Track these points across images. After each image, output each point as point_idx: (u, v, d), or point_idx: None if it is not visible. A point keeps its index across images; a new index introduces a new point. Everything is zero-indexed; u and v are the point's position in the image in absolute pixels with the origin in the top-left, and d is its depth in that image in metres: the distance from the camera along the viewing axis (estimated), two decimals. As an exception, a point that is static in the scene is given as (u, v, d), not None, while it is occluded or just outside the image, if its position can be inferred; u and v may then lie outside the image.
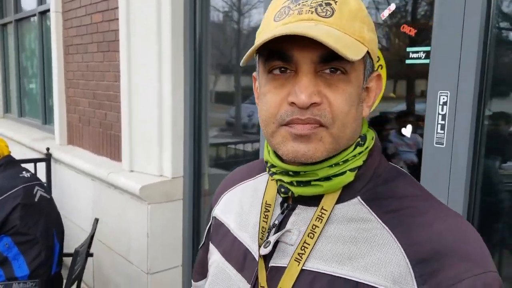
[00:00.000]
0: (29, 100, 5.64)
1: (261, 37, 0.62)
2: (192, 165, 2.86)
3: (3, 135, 4.98)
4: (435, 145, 1.52)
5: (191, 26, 2.73)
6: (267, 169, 0.74)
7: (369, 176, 0.69)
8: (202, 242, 0.92)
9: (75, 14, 3.70)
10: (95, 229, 2.48)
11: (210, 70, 2.81)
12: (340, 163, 0.67)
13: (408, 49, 1.62)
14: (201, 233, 2.90)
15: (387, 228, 0.64)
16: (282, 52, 0.63)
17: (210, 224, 0.88)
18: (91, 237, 2.42)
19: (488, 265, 0.61)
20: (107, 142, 3.41)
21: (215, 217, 0.87)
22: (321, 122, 0.63)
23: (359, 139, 0.69)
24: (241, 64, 0.67)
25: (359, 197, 0.68)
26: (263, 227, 0.73)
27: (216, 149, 3.01)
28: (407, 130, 1.71)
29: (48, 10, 4.41)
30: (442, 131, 1.50)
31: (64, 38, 3.96)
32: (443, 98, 1.48)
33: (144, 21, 2.80)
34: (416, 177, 0.69)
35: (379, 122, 1.82)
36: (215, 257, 0.82)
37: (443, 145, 1.51)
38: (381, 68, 1.71)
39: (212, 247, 0.84)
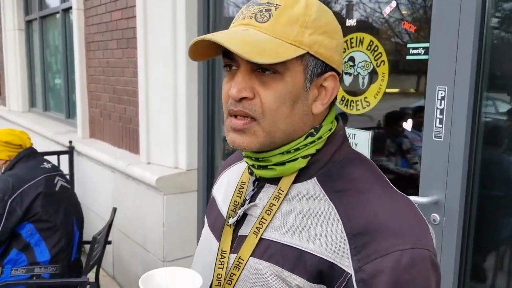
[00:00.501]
0: (53, 95, 5.85)
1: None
2: (206, 158, 2.95)
3: (29, 128, 5.18)
4: (433, 138, 1.57)
5: (204, 22, 2.81)
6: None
7: (325, 161, 0.77)
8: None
9: (96, 11, 3.83)
10: (113, 218, 2.60)
11: (223, 64, 2.89)
12: (292, 151, 0.76)
13: (409, 45, 1.66)
14: (214, 224, 3.00)
15: (332, 205, 0.72)
16: (228, 52, 0.74)
17: (209, 202, 1.01)
18: (109, 225, 2.54)
19: (419, 242, 0.67)
20: (126, 136, 3.54)
21: (212, 195, 0.99)
22: (250, 115, 0.73)
23: (312, 130, 0.77)
24: (189, 57, 0.78)
25: (315, 178, 0.77)
26: (235, 201, 0.85)
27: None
28: (407, 125, 1.75)
29: (71, 8, 4.57)
30: (441, 125, 1.55)
31: (85, 35, 4.11)
32: (441, 93, 1.53)
33: (159, 19, 2.91)
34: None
35: (395, 117, 1.85)
36: (205, 227, 0.94)
37: (441, 138, 1.55)
38: (383, 64, 1.76)
39: (205, 220, 0.96)
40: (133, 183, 3.19)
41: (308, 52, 0.72)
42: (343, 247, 0.68)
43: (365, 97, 1.83)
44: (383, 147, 1.89)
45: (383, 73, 1.77)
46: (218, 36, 0.70)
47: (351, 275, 0.66)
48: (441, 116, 1.54)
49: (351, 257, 0.67)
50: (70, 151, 3.97)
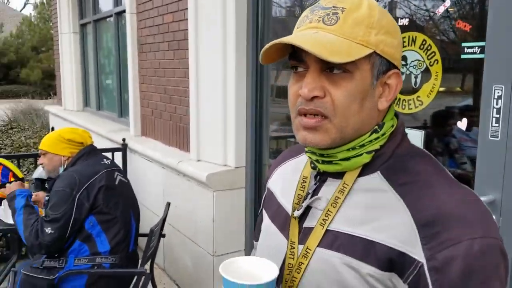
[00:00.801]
0: (106, 94, 6.11)
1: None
2: (254, 156, 3.02)
3: (83, 126, 5.44)
4: (490, 138, 1.56)
5: (254, 25, 2.88)
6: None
7: (389, 155, 0.82)
8: (260, 209, 1.09)
9: (148, 15, 3.99)
10: (167, 212, 2.71)
11: (271, 65, 2.95)
12: (357, 147, 0.81)
13: (463, 44, 1.66)
14: (262, 220, 3.06)
15: (399, 197, 0.76)
16: (297, 55, 0.79)
17: (265, 194, 1.06)
18: (164, 219, 2.66)
19: (488, 232, 0.71)
20: (177, 134, 3.68)
21: (268, 188, 1.04)
22: (322, 113, 0.78)
23: (376, 127, 0.82)
24: (261, 62, 0.84)
25: (379, 172, 0.81)
26: (299, 195, 0.89)
27: (276, 142, 3.15)
28: (462, 124, 1.75)
29: (124, 11, 4.77)
30: (497, 124, 1.54)
31: (138, 37, 4.28)
32: (498, 92, 1.52)
33: (210, 21, 3.00)
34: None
35: (447, 117, 1.86)
36: (265, 219, 0.99)
37: (498, 138, 1.54)
38: (437, 63, 1.77)
39: (264, 212, 1.02)
40: (184, 179, 3.31)
41: (374, 51, 0.77)
42: (413, 237, 0.72)
43: (418, 96, 1.84)
44: (435, 146, 1.89)
45: (436, 72, 1.77)
46: (294, 39, 0.75)
47: (423, 264, 0.70)
48: (497, 116, 1.53)
49: (421, 246, 0.71)
50: (123, 148, 4.16)
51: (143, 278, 2.46)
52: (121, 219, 2.44)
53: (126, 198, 2.54)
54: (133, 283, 2.52)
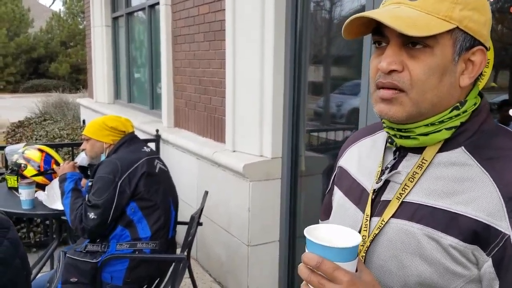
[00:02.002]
0: (137, 87, 6.19)
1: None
2: (290, 147, 3.02)
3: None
4: (546, 126, 1.53)
5: (292, 16, 2.87)
6: (382, 124, 0.92)
7: (473, 131, 0.82)
8: (328, 188, 1.10)
9: (183, 6, 4.02)
10: (205, 201, 2.74)
11: (309, 59, 2.94)
12: (436, 123, 0.81)
13: (520, 31, 1.62)
14: (297, 212, 3.07)
15: (485, 171, 0.76)
16: (379, 29, 0.80)
17: (335, 173, 1.07)
18: (202, 208, 2.69)
19: None
20: (211, 125, 3.70)
21: (340, 166, 1.05)
22: (398, 87, 0.78)
23: (458, 104, 0.81)
24: (343, 35, 0.84)
25: (463, 147, 0.81)
26: (379, 170, 0.90)
27: (312, 135, 3.15)
28: (515, 112, 1.71)
29: (157, 4, 4.82)
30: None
31: (172, 29, 4.32)
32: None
33: (248, 12, 3.00)
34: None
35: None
36: (337, 195, 1.00)
37: (555, 126, 1.51)
38: (488, 50, 1.72)
39: (336, 189, 1.02)
40: (219, 170, 3.33)
41: (457, 27, 0.76)
42: (499, 210, 0.72)
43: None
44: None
45: (488, 59, 1.73)
46: (372, 13, 0.76)
47: (509, 236, 0.70)
48: (555, 103, 1.49)
49: (508, 219, 0.71)
50: (157, 139, 4.21)
51: (181, 264, 2.49)
52: (162, 206, 2.47)
53: (166, 186, 2.57)
54: (171, 269, 2.56)
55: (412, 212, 0.80)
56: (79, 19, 27.14)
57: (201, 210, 2.67)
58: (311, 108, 3.07)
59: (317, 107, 3.12)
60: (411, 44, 0.77)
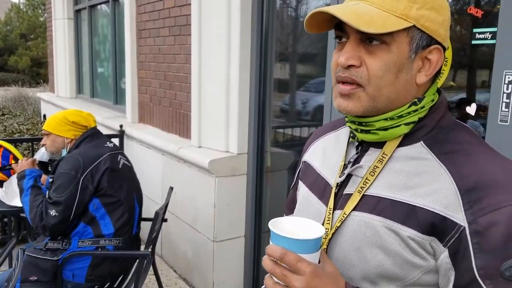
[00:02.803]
0: (101, 81, 6.06)
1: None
2: (256, 143, 3.03)
3: (79, 113, 5.39)
4: (499, 122, 1.60)
5: (259, 13, 2.87)
6: (344, 119, 0.94)
7: (432, 126, 0.85)
8: (293, 183, 1.12)
9: (148, 0, 3.96)
10: (170, 197, 2.72)
11: (276, 56, 2.96)
12: (395, 117, 0.83)
13: (475, 30, 1.69)
14: (263, 207, 3.09)
15: (442, 165, 0.79)
16: (340, 25, 0.82)
17: (300, 168, 1.09)
18: (167, 204, 2.66)
19: None
20: (177, 120, 3.67)
21: (304, 161, 1.07)
22: (356, 81, 0.81)
23: (415, 100, 0.84)
24: (306, 29, 0.86)
25: (422, 142, 0.84)
26: (341, 164, 0.93)
27: (277, 132, 3.17)
28: (471, 109, 1.78)
29: (122, -3, 4.72)
30: (507, 109, 1.57)
31: (137, 23, 4.25)
32: (509, 77, 1.55)
33: (214, 7, 2.99)
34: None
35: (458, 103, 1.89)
36: (302, 190, 1.02)
37: (507, 122, 1.58)
38: (447, 49, 1.79)
39: (300, 184, 1.04)
40: (184, 166, 3.31)
41: (414, 25, 0.79)
42: (455, 202, 0.75)
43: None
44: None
45: (446, 58, 1.79)
46: (331, 8, 0.78)
47: (465, 227, 0.73)
48: (507, 101, 1.56)
49: (464, 211, 0.74)
50: (121, 135, 4.14)
51: (145, 261, 2.46)
52: (125, 202, 2.43)
53: (129, 181, 2.53)
54: (135, 266, 2.53)
55: (373, 205, 0.82)
56: (40, 11, 26.21)
57: (165, 206, 2.65)
58: (277, 104, 3.09)
59: (283, 103, 3.14)
60: (368, 40, 0.79)
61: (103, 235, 2.38)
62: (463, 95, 1.90)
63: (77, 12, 6.54)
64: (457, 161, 0.79)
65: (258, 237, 3.13)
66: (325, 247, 0.87)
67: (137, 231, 2.58)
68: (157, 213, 2.31)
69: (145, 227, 2.74)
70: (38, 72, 24.10)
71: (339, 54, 0.83)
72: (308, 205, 0.97)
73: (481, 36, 1.67)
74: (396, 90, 0.82)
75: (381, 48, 0.79)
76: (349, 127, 0.91)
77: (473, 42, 1.70)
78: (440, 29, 0.82)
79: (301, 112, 3.00)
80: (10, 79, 20.45)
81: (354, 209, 0.84)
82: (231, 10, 2.89)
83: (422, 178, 0.80)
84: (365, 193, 0.84)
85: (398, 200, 0.80)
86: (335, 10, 0.77)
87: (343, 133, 0.99)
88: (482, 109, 1.75)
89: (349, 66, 0.81)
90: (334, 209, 0.88)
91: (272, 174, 3.10)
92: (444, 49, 0.84)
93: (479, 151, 0.80)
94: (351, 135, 0.92)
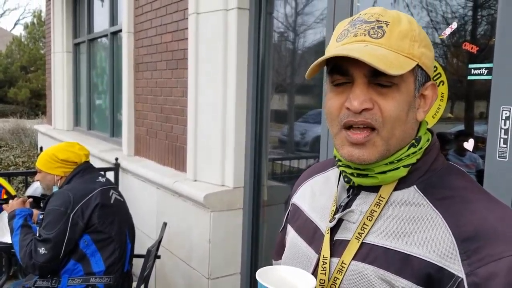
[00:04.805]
0: (98, 114, 6.06)
1: (325, 55, 0.77)
2: (253, 177, 2.99)
3: (75, 146, 5.36)
4: (497, 158, 1.57)
5: (255, 45, 2.89)
6: (336, 162, 0.89)
7: (425, 170, 0.81)
8: (282, 226, 1.07)
9: (146, 34, 4.00)
10: (164, 233, 2.65)
11: (272, 88, 2.96)
12: (395, 161, 0.80)
13: (470, 66, 1.68)
14: (259, 243, 3.02)
15: (437, 212, 0.75)
16: (341, 68, 0.78)
17: (289, 210, 1.04)
18: (160, 240, 2.60)
19: None
20: (172, 154, 3.63)
21: (293, 203, 1.03)
22: (372, 125, 0.77)
23: (413, 141, 0.81)
24: (306, 76, 0.82)
25: (415, 186, 0.80)
26: (333, 209, 0.87)
27: (274, 164, 3.14)
28: (469, 145, 1.75)
29: (120, 31, 4.78)
30: (505, 145, 1.55)
31: (134, 57, 4.28)
32: (506, 113, 1.53)
33: (211, 41, 3.01)
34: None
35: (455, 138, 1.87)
36: (290, 234, 0.98)
37: (506, 158, 1.55)
38: (443, 84, 1.78)
39: (289, 228, 1.00)
40: (179, 200, 3.25)
41: (418, 64, 0.78)
42: (452, 252, 0.70)
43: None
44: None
45: (442, 93, 1.78)
46: (351, 52, 0.73)
47: (462, 279, 0.69)
48: (505, 136, 1.54)
49: (461, 261, 0.69)
50: (116, 168, 4.09)
51: (137, 300, 2.38)
52: (117, 238, 2.37)
53: (121, 217, 2.47)
54: (127, 305, 2.44)
55: (366, 253, 0.78)
56: (41, 44, 26.59)
57: (158, 243, 2.58)
58: (274, 136, 3.07)
59: (280, 135, 3.12)
60: (377, 82, 0.76)
61: (93, 273, 2.31)
62: (461, 126, 1.89)
63: (76, 45, 6.61)
64: (453, 208, 0.75)
65: (254, 274, 3.04)
66: None
67: (129, 268, 2.50)
68: (149, 251, 2.25)
69: (138, 263, 2.66)
70: (38, 104, 24.23)
71: (341, 98, 0.79)
72: (297, 251, 0.92)
73: (477, 71, 1.66)
74: (405, 129, 0.79)
75: (392, 89, 0.77)
76: (343, 171, 0.86)
77: (469, 77, 1.69)
78: (432, 65, 0.82)
79: (298, 143, 2.97)
80: (8, 111, 20.51)
81: (353, 258, 0.79)
82: (227, 42, 2.90)
83: (416, 225, 0.76)
84: (363, 241, 0.79)
85: (391, 248, 0.76)
86: (354, 53, 0.73)
87: (333, 175, 0.95)
88: (481, 141, 1.73)
89: (362, 110, 0.77)
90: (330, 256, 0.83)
91: (269, 208, 3.04)
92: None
93: (476, 198, 0.76)
94: (345, 179, 0.87)
